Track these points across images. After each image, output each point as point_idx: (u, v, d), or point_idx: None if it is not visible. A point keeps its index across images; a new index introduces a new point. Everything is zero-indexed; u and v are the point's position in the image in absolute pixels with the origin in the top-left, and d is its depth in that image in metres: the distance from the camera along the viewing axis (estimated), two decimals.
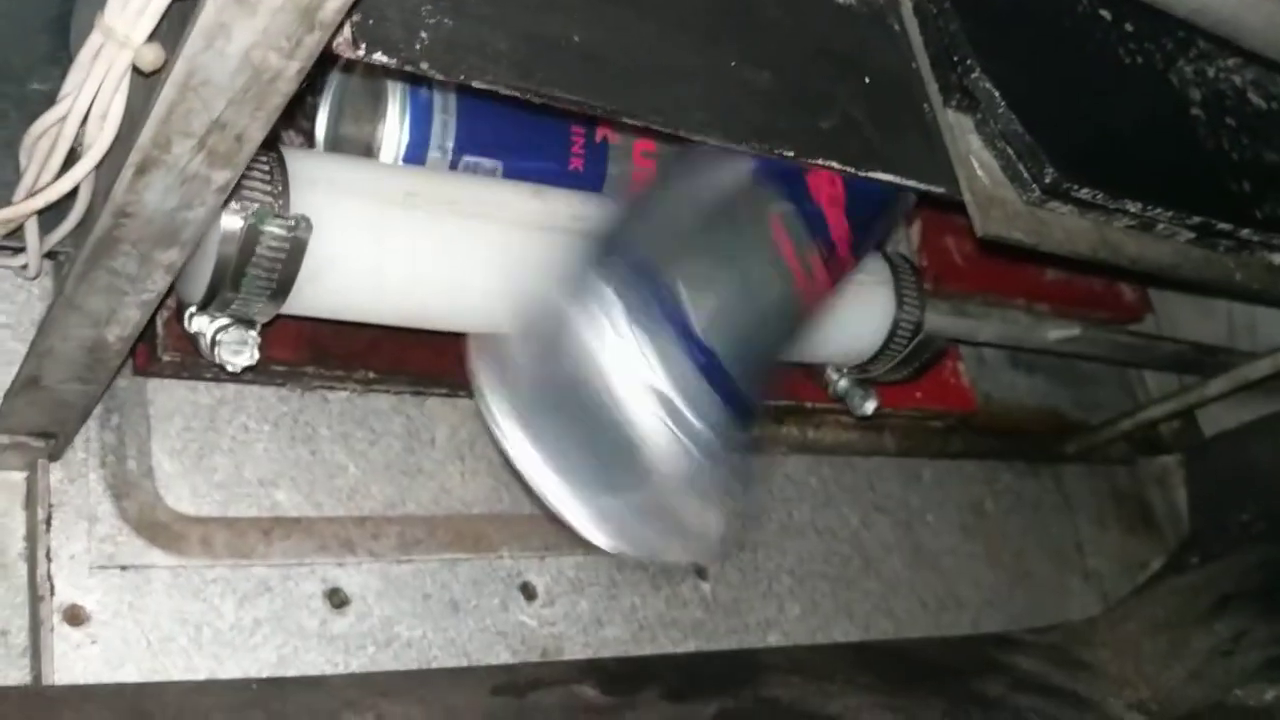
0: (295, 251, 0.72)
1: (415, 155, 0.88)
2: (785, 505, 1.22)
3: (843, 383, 1.12)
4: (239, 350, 0.75)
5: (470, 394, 1.02)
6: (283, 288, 0.74)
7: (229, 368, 0.76)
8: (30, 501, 0.81)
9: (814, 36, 0.83)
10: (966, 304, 1.24)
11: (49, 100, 0.80)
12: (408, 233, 0.79)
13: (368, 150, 0.88)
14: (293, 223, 0.71)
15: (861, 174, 0.78)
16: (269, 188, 0.73)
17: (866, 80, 0.84)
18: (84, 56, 0.64)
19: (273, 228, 0.70)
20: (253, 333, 0.76)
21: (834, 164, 0.78)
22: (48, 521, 0.80)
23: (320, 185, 0.76)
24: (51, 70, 0.79)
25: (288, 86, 0.51)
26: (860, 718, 0.90)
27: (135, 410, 0.90)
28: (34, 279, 0.83)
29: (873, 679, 0.99)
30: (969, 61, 0.85)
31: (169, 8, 0.59)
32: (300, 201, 0.74)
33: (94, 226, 0.59)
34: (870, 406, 1.10)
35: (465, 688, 0.83)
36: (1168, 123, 1.01)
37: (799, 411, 1.21)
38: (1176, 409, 1.43)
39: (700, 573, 1.13)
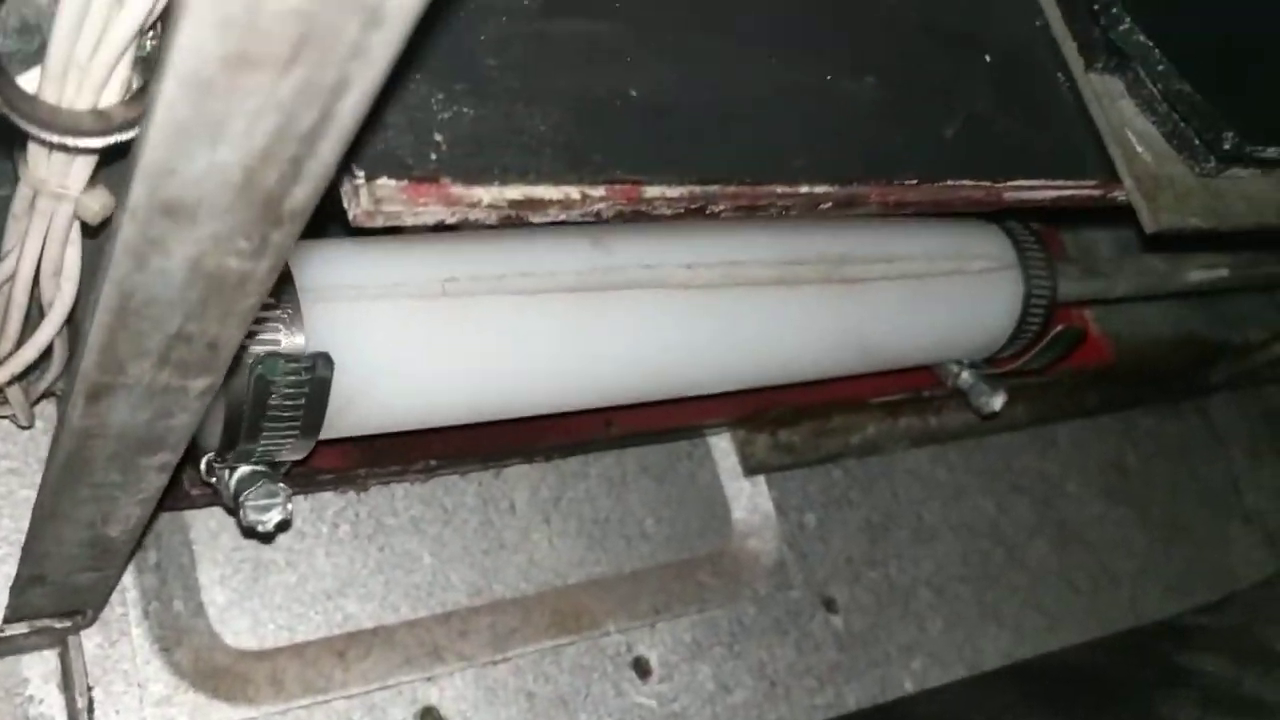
0: (318, 392, 0.58)
1: None
2: (913, 507, 1.08)
3: (965, 375, 0.96)
4: (267, 508, 0.62)
5: (553, 455, 0.89)
6: (310, 428, 0.61)
7: (258, 528, 0.62)
8: (67, 682, 0.70)
9: (918, 9, 0.67)
10: (1095, 259, 1.07)
11: None
12: (453, 327, 0.65)
13: None
14: (309, 364, 0.57)
15: (1004, 192, 0.62)
16: (278, 311, 0.59)
17: (988, 58, 0.67)
18: (17, 209, 0.50)
19: (285, 376, 0.56)
20: (282, 486, 0.62)
21: (967, 183, 0.62)
22: (89, 708, 0.69)
23: (340, 294, 0.62)
24: None
25: (262, 286, 0.37)
26: None
27: (174, 539, 0.78)
28: (29, 427, 0.71)
29: (1047, 714, 0.86)
30: (1114, 10, 0.68)
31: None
32: (318, 321, 0.60)
33: (61, 439, 0.46)
34: (999, 402, 0.94)
35: None
36: None
37: (915, 401, 1.06)
38: None
39: (829, 604, 1.00)
